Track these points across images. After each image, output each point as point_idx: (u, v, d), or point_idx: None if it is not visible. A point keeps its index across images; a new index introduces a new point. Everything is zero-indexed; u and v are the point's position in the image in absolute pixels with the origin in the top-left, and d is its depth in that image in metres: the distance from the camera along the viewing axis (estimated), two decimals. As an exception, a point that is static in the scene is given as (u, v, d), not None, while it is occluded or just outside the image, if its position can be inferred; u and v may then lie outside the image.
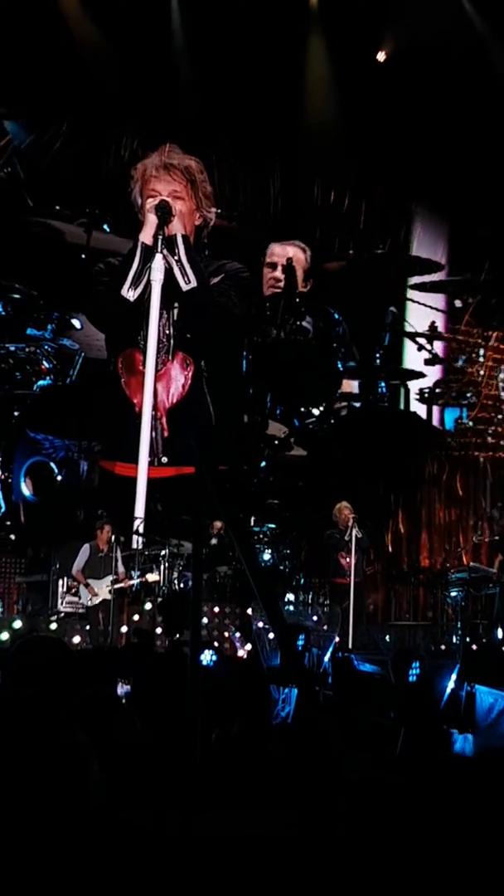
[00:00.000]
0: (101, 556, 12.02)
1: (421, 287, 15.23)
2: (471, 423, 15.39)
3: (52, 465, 12.35)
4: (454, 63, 15.54)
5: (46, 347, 12.57)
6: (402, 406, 14.97)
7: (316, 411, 11.53)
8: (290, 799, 3.58)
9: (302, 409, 10.69)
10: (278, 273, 9.80)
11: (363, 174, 15.48)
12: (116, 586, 12.00)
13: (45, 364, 12.57)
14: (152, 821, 3.10)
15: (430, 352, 15.09)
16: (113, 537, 12.00)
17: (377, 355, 13.99)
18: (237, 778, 3.92)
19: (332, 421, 12.56)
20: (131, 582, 12.23)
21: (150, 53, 15.04)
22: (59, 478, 12.15)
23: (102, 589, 12.05)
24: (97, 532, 11.97)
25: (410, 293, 15.52)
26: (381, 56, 16.20)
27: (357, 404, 13.67)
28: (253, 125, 15.01)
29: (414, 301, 15.34)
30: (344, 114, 15.73)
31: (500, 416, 15.60)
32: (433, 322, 15.22)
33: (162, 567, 12.31)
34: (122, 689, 8.29)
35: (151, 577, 12.18)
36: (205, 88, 15.03)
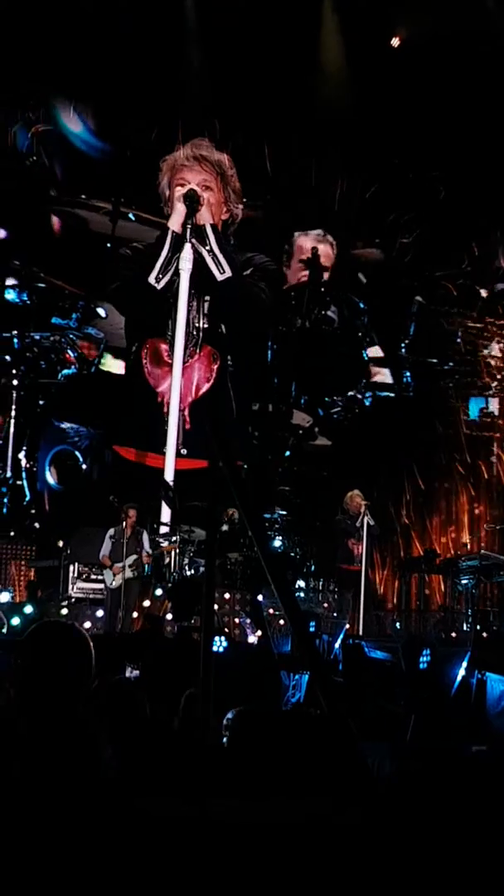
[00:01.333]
0: (126, 540, 11.87)
1: (438, 277, 15.22)
2: (495, 412, 15.40)
3: (77, 453, 12.34)
4: (468, 49, 15.43)
5: (71, 336, 12.59)
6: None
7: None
8: (305, 786, 3.58)
9: (327, 399, 10.70)
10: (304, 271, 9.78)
11: (386, 162, 15.45)
12: (141, 563, 11.90)
13: (70, 353, 12.59)
14: (165, 807, 3.10)
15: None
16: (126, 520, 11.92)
17: (402, 345, 14.00)
18: (248, 764, 3.93)
19: (357, 410, 12.55)
20: (164, 545, 12.16)
21: (165, 44, 14.94)
22: (83, 466, 12.15)
23: (125, 569, 11.94)
24: (122, 515, 11.79)
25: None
26: (395, 42, 16.10)
27: (384, 394, 13.70)
28: (270, 112, 14.95)
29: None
30: (361, 101, 15.62)
31: None
32: None
33: (173, 553, 12.29)
34: (130, 673, 8.30)
35: (168, 546, 12.13)
36: (220, 77, 14.94)
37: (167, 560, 12.06)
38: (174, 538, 11.97)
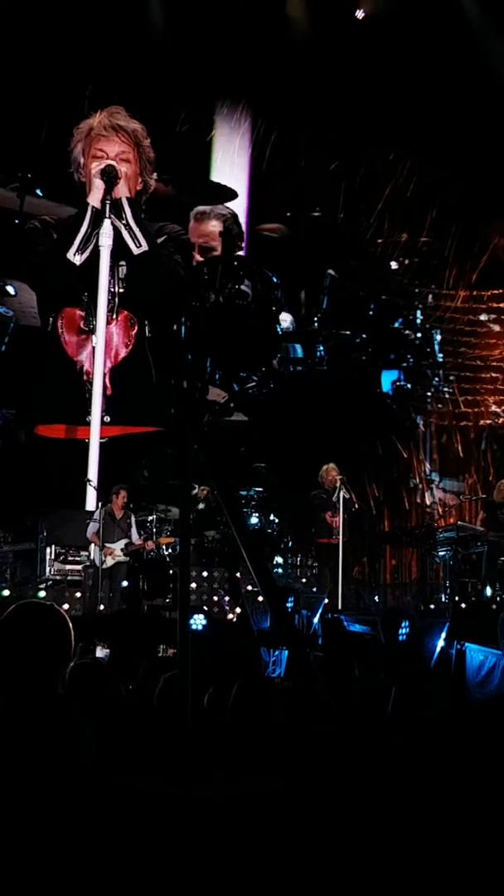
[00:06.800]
0: (116, 521, 11.82)
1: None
2: (408, 386, 15.50)
3: (-9, 436, 12.23)
4: (433, 25, 15.32)
5: (-20, 316, 12.42)
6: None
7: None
8: (286, 763, 3.58)
9: (242, 374, 10.66)
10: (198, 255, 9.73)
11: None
12: (132, 549, 11.90)
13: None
14: (146, 785, 3.09)
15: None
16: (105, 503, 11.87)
17: (315, 319, 14.04)
18: (233, 742, 3.92)
19: (272, 385, 12.51)
20: (151, 545, 12.13)
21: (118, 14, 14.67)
22: (-4, 449, 12.02)
23: (116, 552, 11.93)
24: (112, 497, 11.74)
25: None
26: (359, 14, 15.95)
27: (299, 368, 13.73)
28: (233, 82, 14.82)
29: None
30: (327, 74, 15.47)
31: (437, 379, 15.73)
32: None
33: (152, 532, 12.30)
34: (101, 652, 8.30)
35: (165, 539, 12.15)
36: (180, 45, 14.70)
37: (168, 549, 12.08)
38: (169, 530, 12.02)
